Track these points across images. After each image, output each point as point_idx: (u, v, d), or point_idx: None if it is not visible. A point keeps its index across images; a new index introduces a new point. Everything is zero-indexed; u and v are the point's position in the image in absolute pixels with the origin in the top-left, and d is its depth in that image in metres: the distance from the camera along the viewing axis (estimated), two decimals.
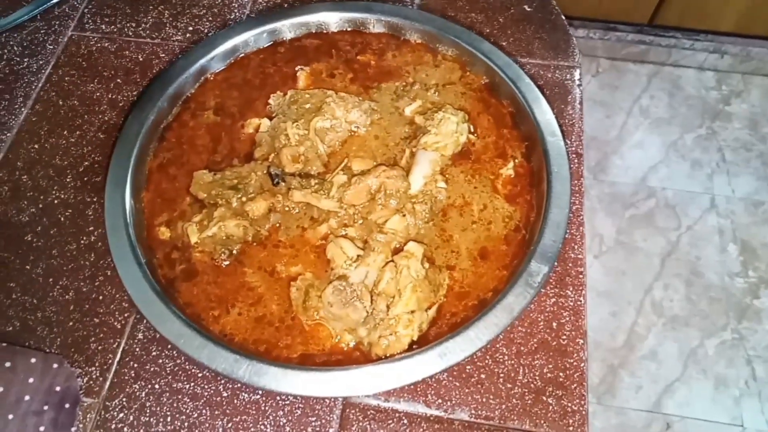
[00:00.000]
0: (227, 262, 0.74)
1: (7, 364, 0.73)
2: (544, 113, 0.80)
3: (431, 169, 0.78)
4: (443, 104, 0.84)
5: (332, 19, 0.92)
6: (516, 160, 0.81)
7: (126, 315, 0.80)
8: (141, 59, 1.04)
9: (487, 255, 0.74)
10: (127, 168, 0.77)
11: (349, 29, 0.92)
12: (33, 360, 0.74)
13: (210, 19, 1.09)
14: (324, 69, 0.89)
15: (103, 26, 1.08)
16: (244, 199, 0.76)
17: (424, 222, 0.76)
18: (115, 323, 0.80)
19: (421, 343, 0.68)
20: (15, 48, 1.05)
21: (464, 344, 0.66)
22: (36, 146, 0.95)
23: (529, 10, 1.03)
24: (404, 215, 0.75)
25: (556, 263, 0.72)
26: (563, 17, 1.01)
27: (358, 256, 0.71)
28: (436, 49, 0.90)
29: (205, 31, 1.08)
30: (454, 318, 0.71)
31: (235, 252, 0.75)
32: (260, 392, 0.70)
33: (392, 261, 0.71)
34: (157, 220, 0.77)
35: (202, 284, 0.73)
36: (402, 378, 0.64)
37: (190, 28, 1.09)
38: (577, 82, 0.98)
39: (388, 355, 0.67)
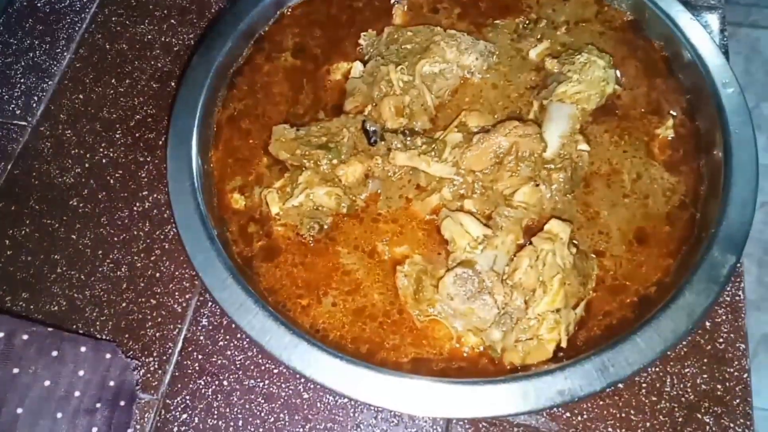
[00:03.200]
0: (316, 239, 0.60)
1: (54, 353, 0.61)
2: (714, 58, 0.63)
3: (570, 127, 0.61)
4: (578, 46, 0.67)
5: None
6: (676, 118, 0.64)
7: (188, 296, 0.69)
8: None
9: (645, 238, 0.59)
10: (192, 120, 0.63)
11: None
12: (83, 349, 0.62)
13: None
14: (425, 2, 0.72)
15: None
16: (335, 161, 0.61)
17: (563, 194, 0.60)
18: (175, 306, 0.69)
19: (569, 351, 0.53)
20: None
21: (632, 355, 0.50)
22: (81, 96, 0.83)
23: None
24: (538, 185, 0.59)
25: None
26: None
27: (485, 236, 0.56)
28: None
29: None
30: (609, 318, 0.55)
31: (325, 226, 0.60)
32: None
33: (530, 244, 0.55)
34: (229, 184, 0.63)
35: (286, 265, 0.59)
36: (549, 396, 0.49)
37: None
38: (720, 27, 0.80)
39: (526, 364, 0.52)
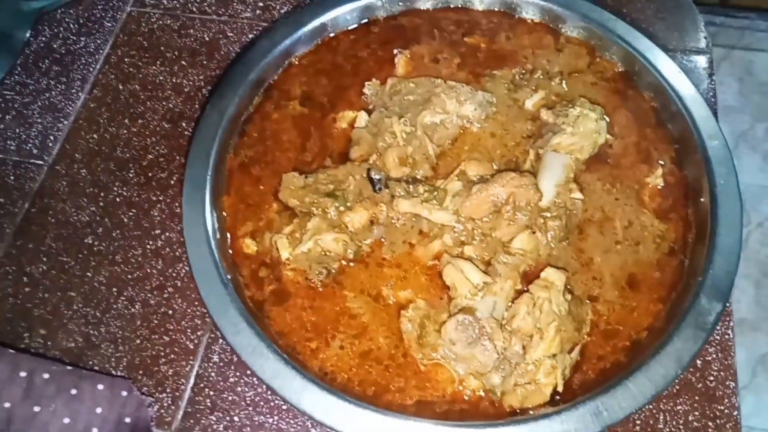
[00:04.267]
0: (324, 283, 0.63)
1: (73, 392, 0.64)
2: (699, 109, 0.66)
3: (564, 176, 0.65)
4: (571, 96, 0.71)
5: None
6: (665, 167, 0.67)
7: (199, 333, 0.72)
8: (207, 39, 0.93)
9: (636, 284, 0.62)
10: (206, 168, 0.66)
11: (452, 6, 0.79)
12: (100, 387, 0.65)
13: None
14: (426, 53, 0.76)
15: (165, 1, 0.97)
16: (342, 208, 0.64)
17: (558, 241, 0.63)
18: (187, 343, 0.71)
19: (565, 394, 0.56)
20: (71, 25, 0.95)
21: (624, 400, 0.53)
22: (95, 136, 0.86)
23: None
24: (534, 232, 0.62)
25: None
26: None
27: (485, 283, 0.59)
28: (558, 30, 0.76)
29: (277, 7, 0.96)
30: (602, 362, 0.58)
31: (333, 271, 0.63)
32: None
33: (527, 291, 0.58)
34: (241, 229, 0.66)
35: (295, 309, 0.62)
36: None
37: (260, 4, 0.97)
38: (707, 71, 0.84)
39: (525, 407, 0.55)
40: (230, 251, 0.64)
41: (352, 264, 0.64)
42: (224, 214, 0.66)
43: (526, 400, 0.55)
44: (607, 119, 0.68)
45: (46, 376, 0.63)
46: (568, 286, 0.60)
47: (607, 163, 0.68)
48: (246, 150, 0.70)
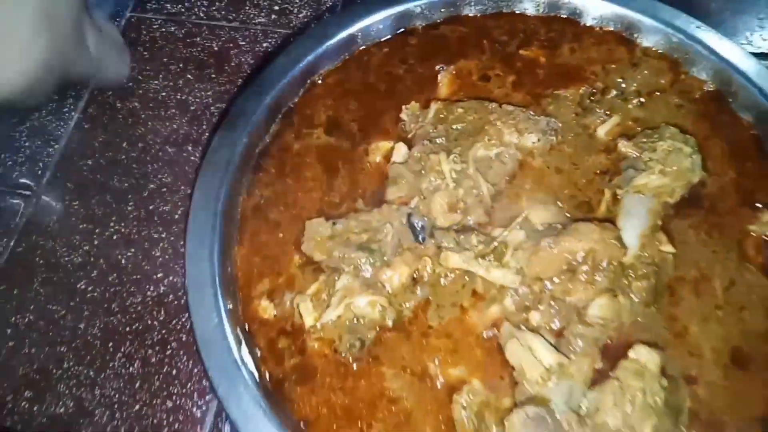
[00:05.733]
0: (357, 357, 0.52)
1: None
2: None
3: (651, 225, 0.53)
4: (653, 122, 0.59)
5: None
6: None
7: (207, 398, 0.65)
8: (216, 48, 0.83)
9: (744, 360, 0.50)
10: (214, 216, 0.55)
11: (504, 11, 0.67)
12: None
13: None
14: (474, 69, 0.64)
15: (169, 5, 0.87)
16: (378, 264, 0.53)
17: (645, 306, 0.51)
18: (194, 409, 0.64)
19: None
20: None
21: None
22: (89, 162, 0.77)
23: None
24: (616, 296, 0.51)
25: None
26: None
27: (559, 364, 0.47)
28: (633, 40, 0.64)
29: (295, 11, 0.86)
30: None
31: (367, 342, 0.52)
32: None
33: (613, 377, 0.47)
34: (256, 289, 0.55)
35: (323, 390, 0.51)
36: None
37: (276, 8, 0.86)
38: None
39: None
40: (243, 317, 0.53)
41: (390, 333, 0.52)
42: (236, 269, 0.55)
43: None
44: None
45: None
46: (662, 367, 0.48)
47: (702, 207, 0.56)
48: (262, 189, 0.59)
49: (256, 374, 0.51)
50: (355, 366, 0.52)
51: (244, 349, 0.51)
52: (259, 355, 0.52)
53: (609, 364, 0.49)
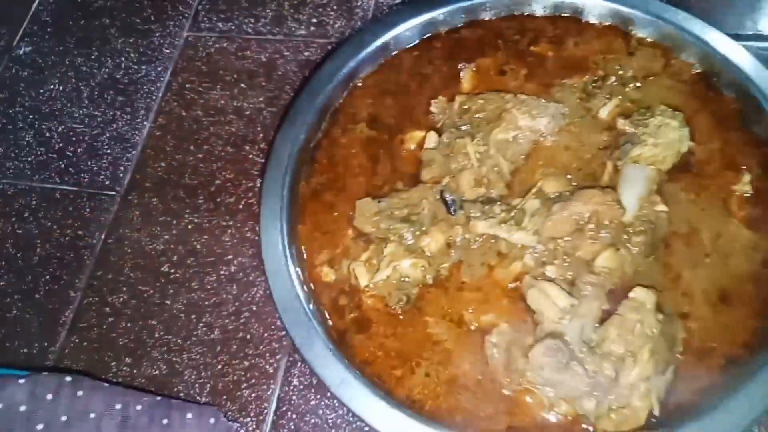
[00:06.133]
0: (404, 310, 0.63)
1: (165, 422, 0.66)
2: None
3: (647, 189, 0.63)
4: (647, 102, 0.68)
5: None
6: (753, 173, 0.64)
7: (277, 357, 0.73)
8: (264, 59, 0.94)
9: (729, 299, 0.59)
10: (281, 197, 0.66)
11: (515, 13, 0.77)
12: (189, 415, 0.67)
13: (335, 8, 0.97)
14: (491, 65, 0.74)
15: (220, 24, 0.98)
16: (418, 233, 0.64)
17: (644, 257, 0.61)
18: (267, 366, 0.72)
19: (660, 417, 0.54)
20: (131, 54, 0.97)
21: (725, 422, 0.52)
22: (163, 164, 0.87)
23: None
24: (618, 249, 0.61)
25: None
26: None
27: (572, 305, 0.58)
28: (629, 32, 0.74)
29: (330, 22, 0.96)
30: (698, 382, 0.56)
31: (412, 297, 0.63)
32: None
33: (616, 312, 0.57)
34: (318, 258, 0.66)
35: (378, 337, 0.62)
36: None
37: (314, 20, 0.97)
38: None
39: (620, 431, 0.54)
40: (309, 281, 0.65)
41: (431, 289, 0.64)
42: (301, 243, 0.67)
43: (621, 424, 0.54)
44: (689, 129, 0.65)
45: (138, 407, 0.66)
46: (659, 305, 0.58)
47: (691, 171, 0.65)
48: (317, 177, 0.70)
49: (322, 328, 0.62)
50: (402, 317, 0.63)
51: (312, 306, 0.63)
52: (324, 311, 0.64)
53: (614, 305, 0.58)
